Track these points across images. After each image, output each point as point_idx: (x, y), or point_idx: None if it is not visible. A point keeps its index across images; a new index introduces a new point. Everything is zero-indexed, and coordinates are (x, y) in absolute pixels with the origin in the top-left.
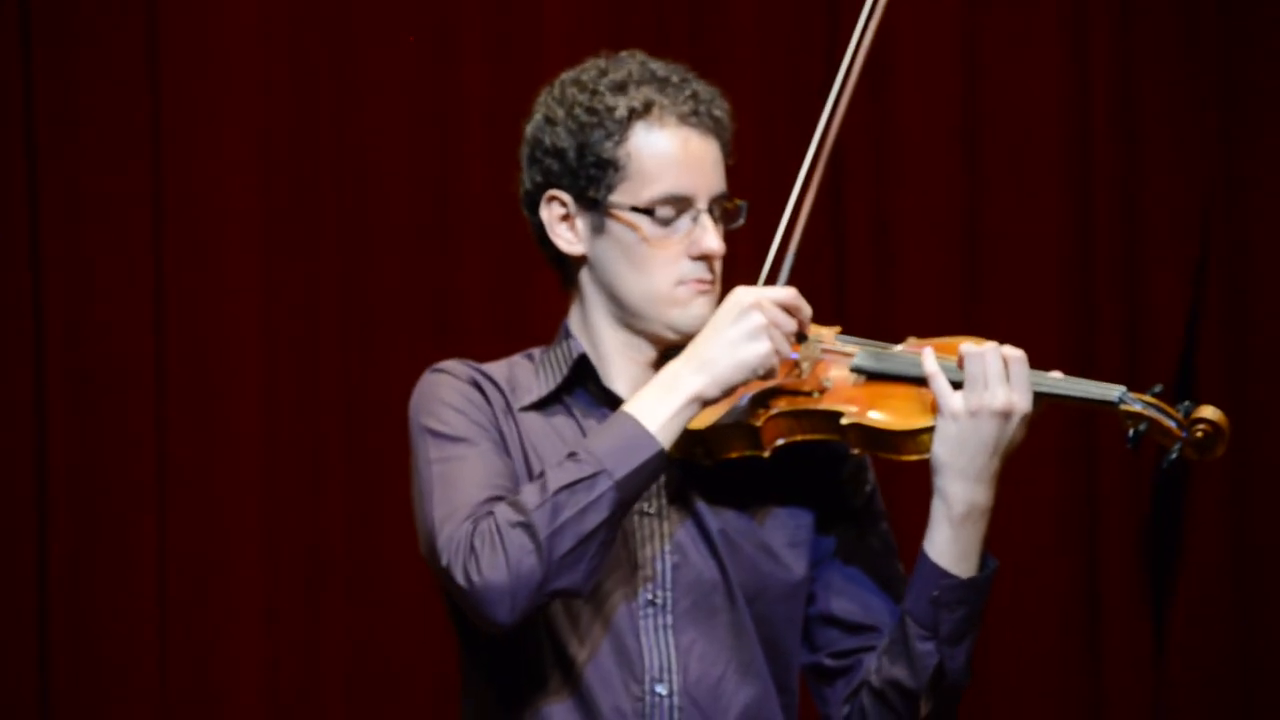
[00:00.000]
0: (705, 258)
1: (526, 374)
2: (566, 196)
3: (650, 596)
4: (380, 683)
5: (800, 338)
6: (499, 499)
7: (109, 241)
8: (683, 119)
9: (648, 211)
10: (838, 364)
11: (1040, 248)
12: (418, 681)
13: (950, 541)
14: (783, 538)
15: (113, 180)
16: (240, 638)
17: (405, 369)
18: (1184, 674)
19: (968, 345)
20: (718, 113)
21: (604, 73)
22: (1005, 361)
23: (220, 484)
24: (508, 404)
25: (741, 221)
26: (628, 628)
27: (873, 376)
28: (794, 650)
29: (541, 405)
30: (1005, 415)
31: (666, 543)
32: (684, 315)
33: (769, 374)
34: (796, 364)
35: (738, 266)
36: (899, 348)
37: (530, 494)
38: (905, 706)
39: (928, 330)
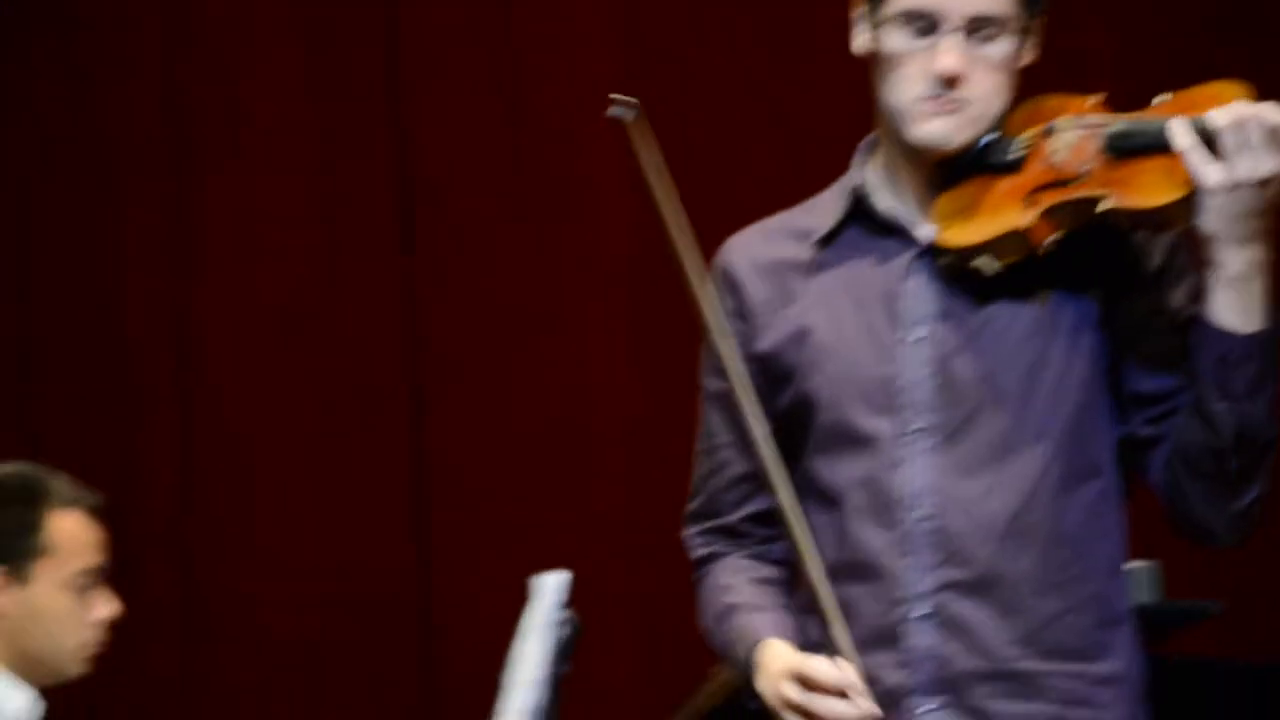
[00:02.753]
0: (942, 77)
1: (821, 206)
2: None
3: (915, 423)
4: None
5: (1051, 129)
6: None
7: None
8: None
9: (900, 21)
10: (1092, 143)
11: None
12: None
13: (1229, 302)
14: (1067, 332)
15: None
16: None
17: None
18: None
19: (1220, 115)
20: None
21: None
22: (1265, 129)
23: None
24: (776, 272)
25: (997, 49)
26: (890, 454)
27: (1128, 153)
28: (1093, 436)
29: (828, 241)
30: (1267, 183)
31: (931, 367)
32: (920, 131)
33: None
34: (1056, 153)
35: None
36: (1156, 107)
37: None
38: (1214, 466)
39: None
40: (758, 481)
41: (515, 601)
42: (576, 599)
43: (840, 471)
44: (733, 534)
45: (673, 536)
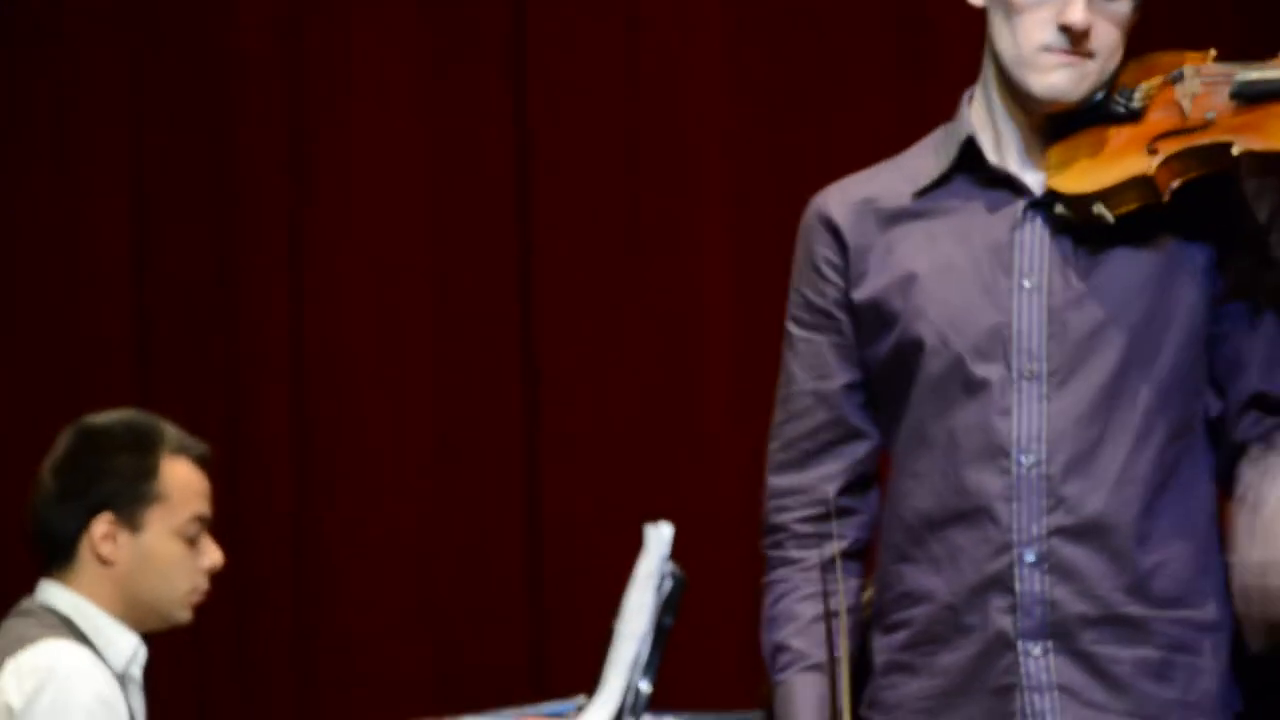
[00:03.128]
0: (1068, 29)
1: (924, 155)
2: None
3: (1026, 370)
4: None
5: (1176, 78)
6: None
7: None
8: None
9: None
10: (1217, 92)
11: None
12: None
13: None
14: (1184, 283)
15: None
16: None
17: None
18: None
19: None
20: None
21: None
22: None
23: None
24: (869, 221)
25: (1120, 7)
26: (1000, 400)
27: (1254, 99)
28: (1197, 387)
29: (930, 190)
30: None
31: (1043, 314)
32: (1043, 82)
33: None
34: (1177, 102)
35: None
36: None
37: None
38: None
39: None
40: (838, 431)
41: (626, 550)
42: (690, 547)
43: (950, 418)
44: (818, 488)
45: None
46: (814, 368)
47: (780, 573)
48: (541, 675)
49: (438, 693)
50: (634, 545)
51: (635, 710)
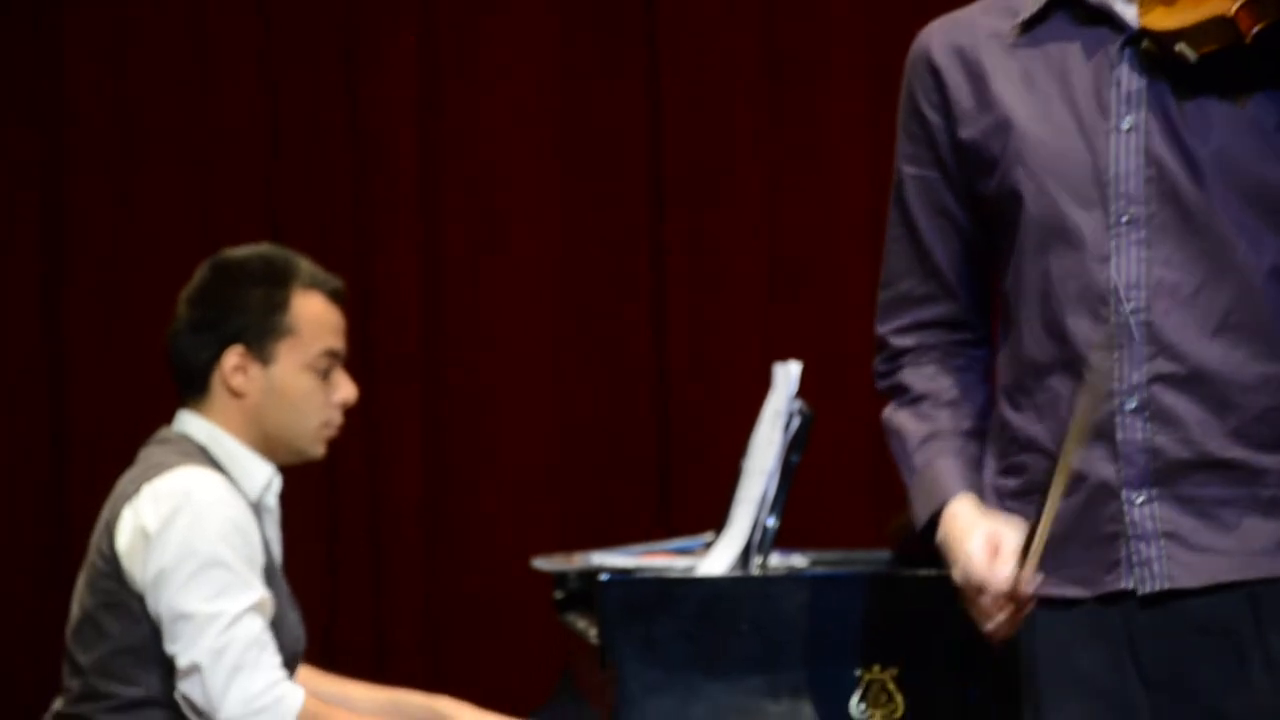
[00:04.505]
0: None
1: None
2: None
3: (1125, 215)
4: None
5: None
6: None
7: None
8: None
9: None
10: None
11: None
12: None
13: None
14: (1272, 129)
15: None
16: None
17: None
18: None
19: None
20: None
21: None
22: None
23: None
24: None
25: None
26: (1099, 247)
27: None
28: None
29: (1030, 26)
30: None
31: (1142, 156)
32: None
33: None
34: None
35: None
36: None
37: None
38: None
39: None
40: (952, 267)
41: (752, 388)
42: (817, 388)
43: (1049, 265)
44: (928, 328)
45: None
46: (925, 206)
47: (907, 364)
48: (670, 512)
49: (567, 530)
50: (762, 384)
51: (762, 546)
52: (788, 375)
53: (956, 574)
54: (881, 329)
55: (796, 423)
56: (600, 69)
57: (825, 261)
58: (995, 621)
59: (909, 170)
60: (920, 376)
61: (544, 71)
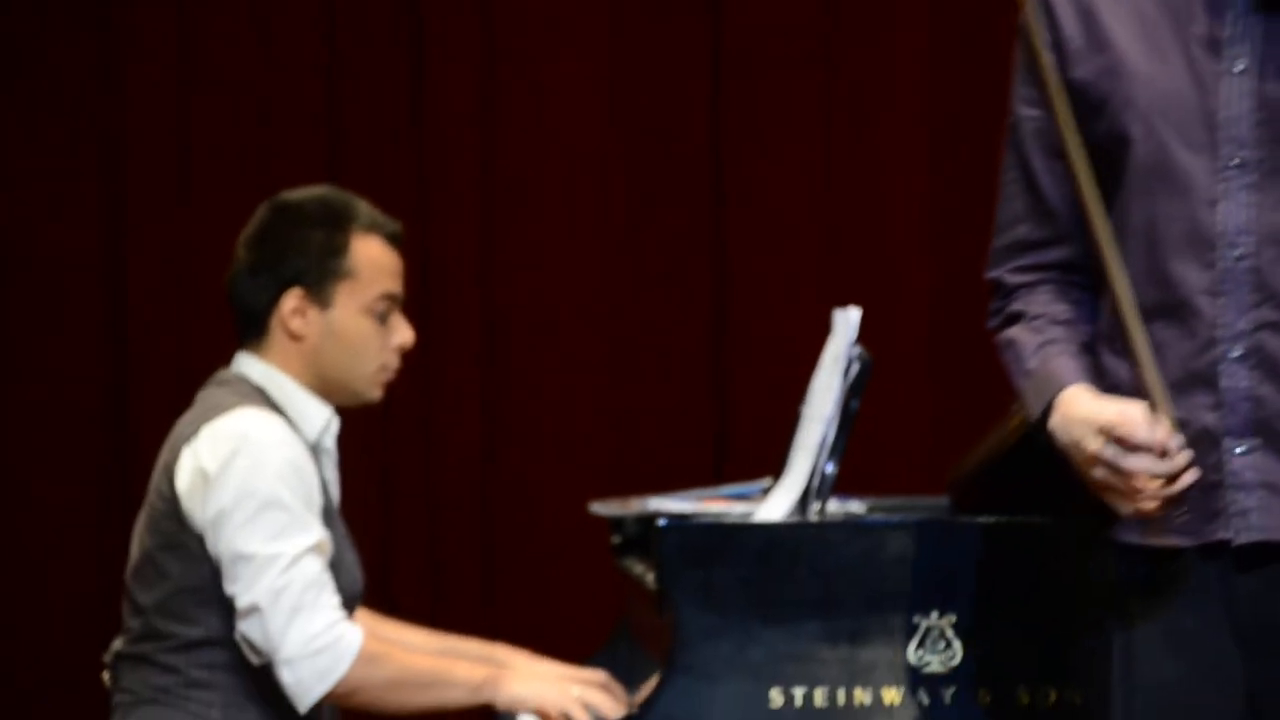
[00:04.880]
0: None
1: None
2: None
3: (1234, 158)
4: None
5: None
6: None
7: None
8: None
9: None
10: None
11: None
12: None
13: None
14: None
15: None
16: None
17: None
18: None
19: None
20: None
21: None
22: None
23: None
24: None
25: None
26: (1207, 191)
27: None
28: None
29: None
30: None
31: (1253, 99)
32: None
33: None
34: None
35: None
36: None
37: None
38: None
39: None
40: (1065, 205)
41: (811, 334)
42: (877, 331)
43: (1155, 209)
44: (1043, 269)
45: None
46: (1040, 148)
47: (1019, 295)
48: (727, 457)
49: (624, 475)
50: (821, 329)
51: (821, 492)
52: (847, 321)
53: (1090, 446)
54: (995, 272)
55: (856, 368)
56: (659, 16)
57: (882, 209)
58: (1148, 492)
59: (1025, 112)
60: (1035, 302)
61: (597, 28)
